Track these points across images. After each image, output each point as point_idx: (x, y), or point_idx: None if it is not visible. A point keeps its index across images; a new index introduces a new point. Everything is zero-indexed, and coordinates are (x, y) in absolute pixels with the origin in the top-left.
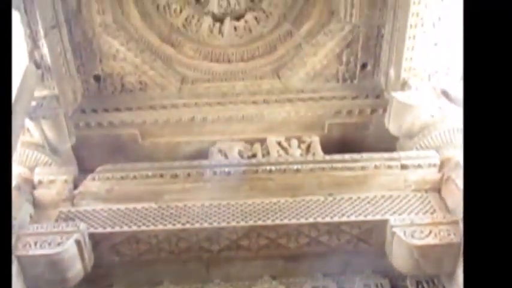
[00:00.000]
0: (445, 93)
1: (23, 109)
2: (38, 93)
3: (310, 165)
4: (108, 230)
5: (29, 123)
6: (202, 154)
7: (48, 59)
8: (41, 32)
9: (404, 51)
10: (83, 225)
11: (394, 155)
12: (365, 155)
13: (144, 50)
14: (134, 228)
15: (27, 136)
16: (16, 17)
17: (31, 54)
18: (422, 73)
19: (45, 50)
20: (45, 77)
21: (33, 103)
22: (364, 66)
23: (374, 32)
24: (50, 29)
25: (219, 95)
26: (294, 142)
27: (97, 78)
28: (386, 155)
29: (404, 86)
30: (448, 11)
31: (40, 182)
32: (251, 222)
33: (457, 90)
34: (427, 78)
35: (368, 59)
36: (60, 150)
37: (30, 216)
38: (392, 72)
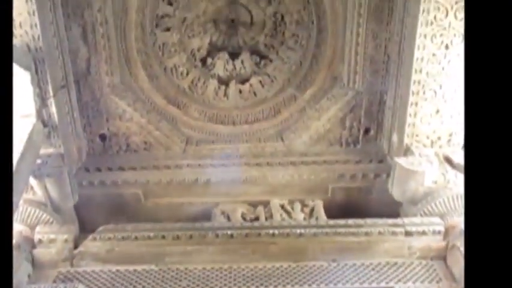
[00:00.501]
0: (448, 160)
1: (27, 167)
2: (43, 151)
3: (314, 230)
4: None
5: (32, 181)
6: (205, 216)
7: (55, 117)
8: (50, 92)
9: (406, 118)
10: (81, 287)
11: (398, 221)
12: (369, 221)
13: (150, 110)
14: None
15: (30, 194)
16: (26, 77)
17: (39, 113)
18: (425, 139)
19: (53, 109)
20: (52, 135)
21: (38, 161)
22: (367, 131)
23: (377, 98)
24: (59, 89)
25: (223, 156)
26: (297, 205)
27: (103, 137)
28: (390, 221)
29: (407, 151)
30: (449, 79)
31: (40, 241)
32: None
33: (460, 157)
34: (429, 145)
35: (371, 124)
36: (62, 209)
37: (29, 276)
38: (395, 137)
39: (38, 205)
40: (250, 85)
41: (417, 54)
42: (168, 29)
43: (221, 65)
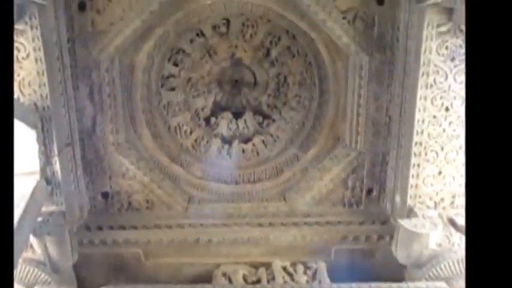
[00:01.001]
0: (452, 222)
1: (28, 225)
2: (45, 209)
3: None
4: None
5: (32, 239)
6: (205, 277)
7: (59, 175)
8: (55, 150)
9: (409, 179)
10: None
11: (403, 285)
12: (373, 285)
13: (153, 169)
14: None
15: (30, 252)
16: (32, 135)
17: (43, 171)
18: (428, 201)
19: (57, 167)
20: (54, 193)
21: (39, 219)
22: (369, 191)
23: (379, 158)
24: (64, 147)
25: (225, 216)
26: (300, 268)
27: (105, 195)
28: (395, 285)
29: (410, 213)
30: (450, 141)
31: None
32: None
33: (464, 219)
34: (433, 206)
35: (373, 185)
36: (61, 269)
37: None
38: (398, 198)
39: (36, 264)
40: (253, 145)
41: (418, 116)
42: (173, 89)
43: (225, 124)
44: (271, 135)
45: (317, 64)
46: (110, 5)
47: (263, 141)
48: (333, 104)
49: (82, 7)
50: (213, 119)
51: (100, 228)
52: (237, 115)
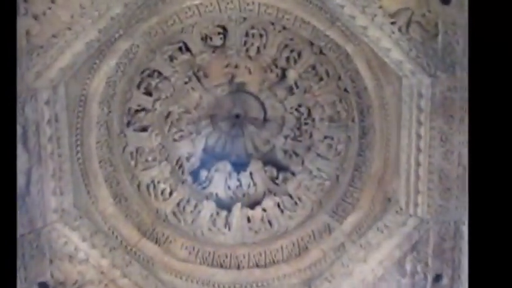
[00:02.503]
0: None
1: None
2: None
3: None
4: None
5: None
6: None
7: None
8: None
9: None
10: None
11: None
12: None
13: (115, 248)
14: None
15: None
16: None
17: None
18: None
19: None
20: None
21: None
22: (437, 279)
23: (450, 229)
24: None
25: None
26: None
27: (43, 287)
28: None
29: None
30: None
31: None
32: None
33: None
34: None
35: (443, 269)
36: None
37: None
38: None
39: None
40: (264, 210)
41: None
42: (144, 129)
43: (221, 180)
44: (290, 196)
45: (355, 91)
46: (53, 9)
47: (278, 205)
48: (380, 149)
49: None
50: (203, 173)
51: None
52: (240, 167)
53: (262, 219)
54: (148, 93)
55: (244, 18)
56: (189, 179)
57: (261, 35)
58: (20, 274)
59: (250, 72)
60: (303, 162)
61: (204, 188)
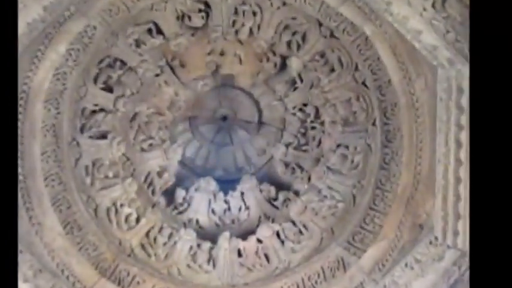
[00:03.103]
0: None
1: None
2: None
3: None
4: None
5: None
6: None
7: None
8: None
9: None
10: None
11: None
12: None
13: None
14: None
15: None
16: None
17: None
18: None
19: None
20: None
21: None
22: None
23: None
24: None
25: None
26: None
27: None
28: None
29: None
30: None
31: None
32: None
33: None
34: None
35: None
36: None
37: None
38: None
39: None
40: (259, 241)
41: None
42: (103, 136)
43: (203, 202)
44: (293, 223)
45: (376, 85)
46: None
47: (278, 235)
48: (409, 161)
49: None
50: (180, 193)
51: None
52: (227, 185)
53: (257, 253)
54: (109, 89)
55: None
56: (162, 200)
57: (254, 13)
58: None
59: (240, 61)
60: (309, 179)
61: (181, 212)
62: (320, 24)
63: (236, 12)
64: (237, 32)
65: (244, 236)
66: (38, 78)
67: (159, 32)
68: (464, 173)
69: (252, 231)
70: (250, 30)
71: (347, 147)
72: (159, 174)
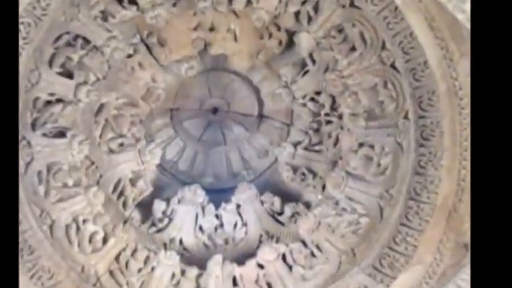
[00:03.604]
0: None
1: None
2: None
3: None
4: None
5: None
6: None
7: None
8: None
9: None
10: None
11: None
12: None
13: None
14: None
15: None
16: None
17: None
18: None
19: None
20: None
21: None
22: None
23: None
24: None
25: None
26: None
27: None
28: None
29: None
30: None
31: None
32: None
33: None
34: None
35: None
36: None
37: None
38: None
39: None
40: (260, 266)
41: None
42: (61, 133)
43: (188, 216)
44: (304, 243)
45: (409, 67)
46: None
47: (284, 259)
48: (452, 164)
49: None
50: (159, 206)
51: None
52: (219, 195)
53: (257, 282)
54: (68, 75)
55: None
56: (136, 215)
57: None
58: None
59: (235, 38)
60: (324, 187)
61: (161, 230)
62: None
63: None
64: (230, 0)
65: (241, 260)
66: None
67: (132, 1)
68: None
69: (251, 254)
70: None
71: (372, 146)
72: (132, 182)
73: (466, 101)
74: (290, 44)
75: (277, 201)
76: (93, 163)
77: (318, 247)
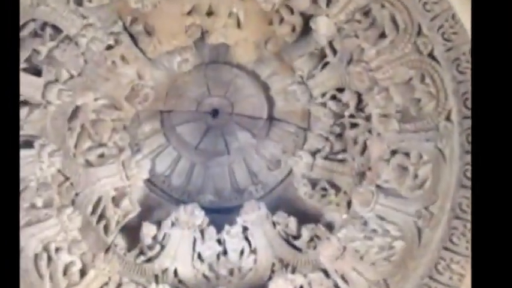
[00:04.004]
0: None
1: None
2: None
3: None
4: None
5: None
6: None
7: None
8: None
9: None
10: None
11: None
12: None
13: None
14: None
15: None
16: None
17: None
18: None
19: None
20: None
21: None
22: None
23: None
24: None
25: None
26: None
27: None
28: None
29: None
30: None
31: None
32: None
33: None
34: None
35: None
36: None
37: None
38: None
39: None
40: None
41: None
42: (27, 143)
43: (184, 242)
44: (326, 273)
45: (452, 57)
46: None
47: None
48: None
49: None
50: (148, 229)
51: None
52: (222, 215)
53: None
54: (35, 71)
55: None
56: (120, 242)
57: None
58: None
59: (238, 25)
60: (349, 205)
61: (151, 260)
62: None
63: None
64: None
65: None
66: None
67: None
68: None
69: (269, 278)
70: None
71: (407, 154)
72: (116, 201)
73: None
74: (306, 30)
75: (292, 222)
76: (67, 179)
77: (343, 278)
